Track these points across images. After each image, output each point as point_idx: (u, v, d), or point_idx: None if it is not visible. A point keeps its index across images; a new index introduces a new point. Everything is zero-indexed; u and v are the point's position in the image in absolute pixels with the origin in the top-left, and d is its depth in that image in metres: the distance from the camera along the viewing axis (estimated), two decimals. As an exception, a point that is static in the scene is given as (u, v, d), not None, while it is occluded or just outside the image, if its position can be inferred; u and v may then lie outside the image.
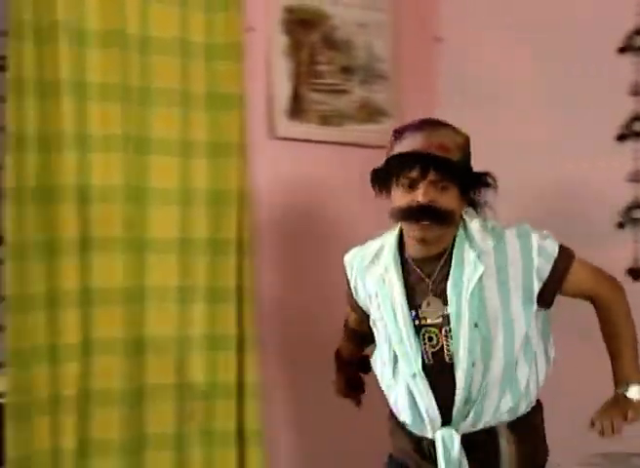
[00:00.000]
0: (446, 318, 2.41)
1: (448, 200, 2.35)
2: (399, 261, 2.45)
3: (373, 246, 2.52)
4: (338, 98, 3.17)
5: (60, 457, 2.62)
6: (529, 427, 2.50)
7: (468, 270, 2.41)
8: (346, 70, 3.34)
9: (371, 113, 3.32)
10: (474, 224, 2.47)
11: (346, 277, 2.61)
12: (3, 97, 2.58)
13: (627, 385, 2.41)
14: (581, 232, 3.17)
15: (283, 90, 3.21)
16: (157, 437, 2.79)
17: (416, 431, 2.48)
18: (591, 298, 2.53)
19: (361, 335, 2.69)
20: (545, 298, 2.44)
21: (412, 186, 2.32)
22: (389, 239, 2.48)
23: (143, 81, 2.76)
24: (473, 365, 2.39)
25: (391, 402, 2.53)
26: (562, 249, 2.48)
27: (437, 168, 2.33)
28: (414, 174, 2.31)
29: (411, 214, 2.33)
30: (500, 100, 3.58)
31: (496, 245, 2.43)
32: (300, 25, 3.28)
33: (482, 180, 2.42)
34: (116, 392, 2.69)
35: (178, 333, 2.74)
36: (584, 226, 3.23)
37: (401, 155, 2.34)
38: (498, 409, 2.42)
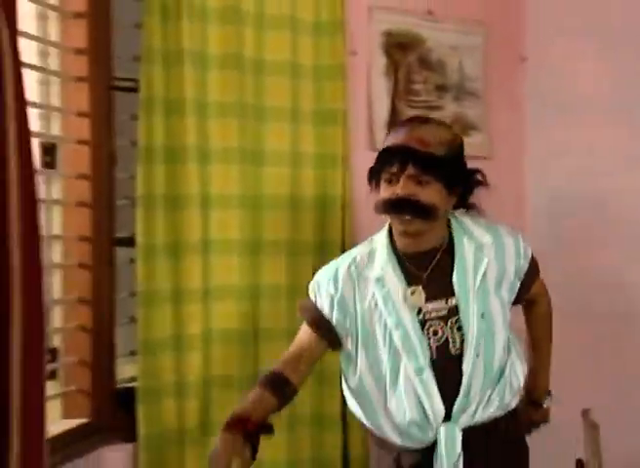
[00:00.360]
0: (452, 310, 2.36)
1: (428, 194, 2.28)
2: (394, 258, 2.37)
3: (358, 253, 2.41)
4: (432, 114, 3.21)
5: (185, 435, 2.83)
6: (517, 422, 2.51)
7: (472, 262, 2.38)
8: (440, 88, 3.47)
9: (462, 127, 3.43)
10: (467, 219, 2.44)
11: (312, 302, 2.40)
12: (135, 115, 2.79)
13: (547, 396, 2.65)
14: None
15: (382, 106, 3.36)
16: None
17: (418, 433, 2.36)
18: (534, 302, 2.60)
19: (290, 386, 2.31)
20: (518, 297, 2.47)
21: (392, 181, 2.27)
22: (380, 239, 2.41)
23: (258, 99, 2.96)
24: (477, 355, 2.36)
25: (392, 410, 2.37)
26: (533, 260, 2.52)
27: (415, 162, 2.26)
28: (394, 168, 2.26)
29: (390, 207, 2.28)
30: (580, 114, 3.66)
31: (494, 240, 2.42)
32: (398, 48, 3.41)
33: (469, 178, 2.37)
34: (234, 378, 2.88)
35: (287, 326, 2.90)
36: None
37: (383, 150, 2.30)
38: (493, 403, 2.39)
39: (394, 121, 3.31)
